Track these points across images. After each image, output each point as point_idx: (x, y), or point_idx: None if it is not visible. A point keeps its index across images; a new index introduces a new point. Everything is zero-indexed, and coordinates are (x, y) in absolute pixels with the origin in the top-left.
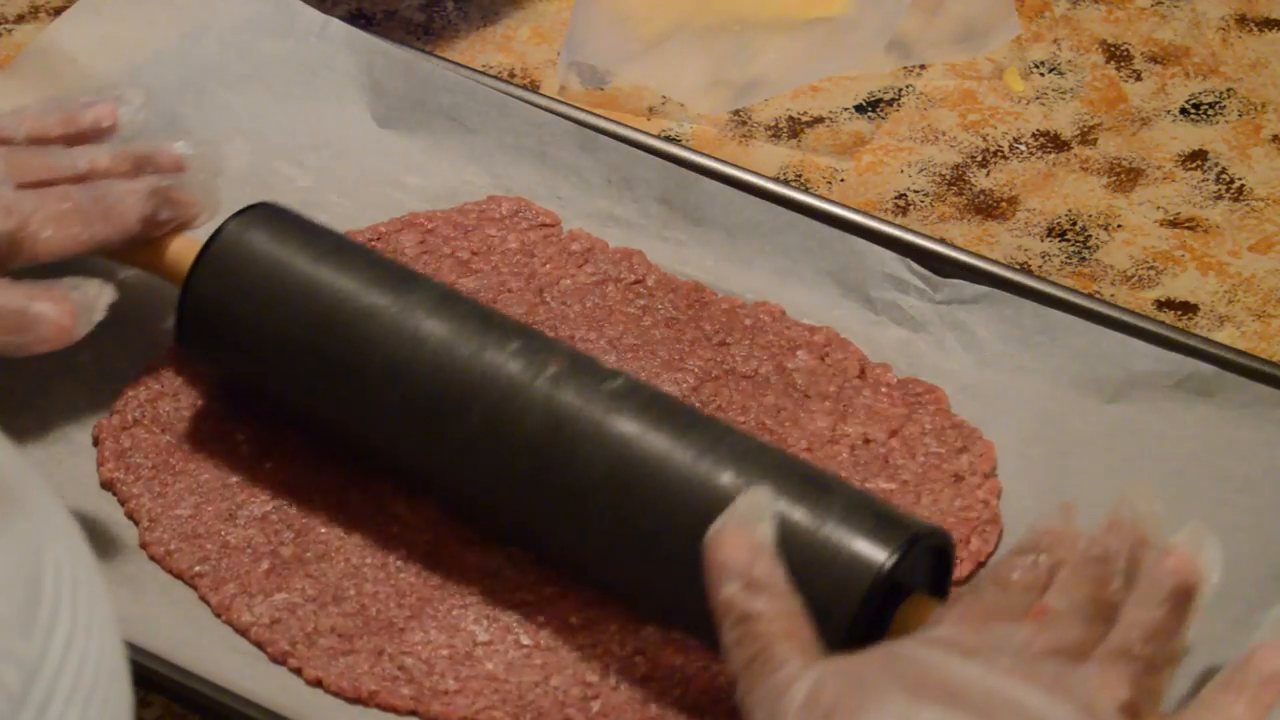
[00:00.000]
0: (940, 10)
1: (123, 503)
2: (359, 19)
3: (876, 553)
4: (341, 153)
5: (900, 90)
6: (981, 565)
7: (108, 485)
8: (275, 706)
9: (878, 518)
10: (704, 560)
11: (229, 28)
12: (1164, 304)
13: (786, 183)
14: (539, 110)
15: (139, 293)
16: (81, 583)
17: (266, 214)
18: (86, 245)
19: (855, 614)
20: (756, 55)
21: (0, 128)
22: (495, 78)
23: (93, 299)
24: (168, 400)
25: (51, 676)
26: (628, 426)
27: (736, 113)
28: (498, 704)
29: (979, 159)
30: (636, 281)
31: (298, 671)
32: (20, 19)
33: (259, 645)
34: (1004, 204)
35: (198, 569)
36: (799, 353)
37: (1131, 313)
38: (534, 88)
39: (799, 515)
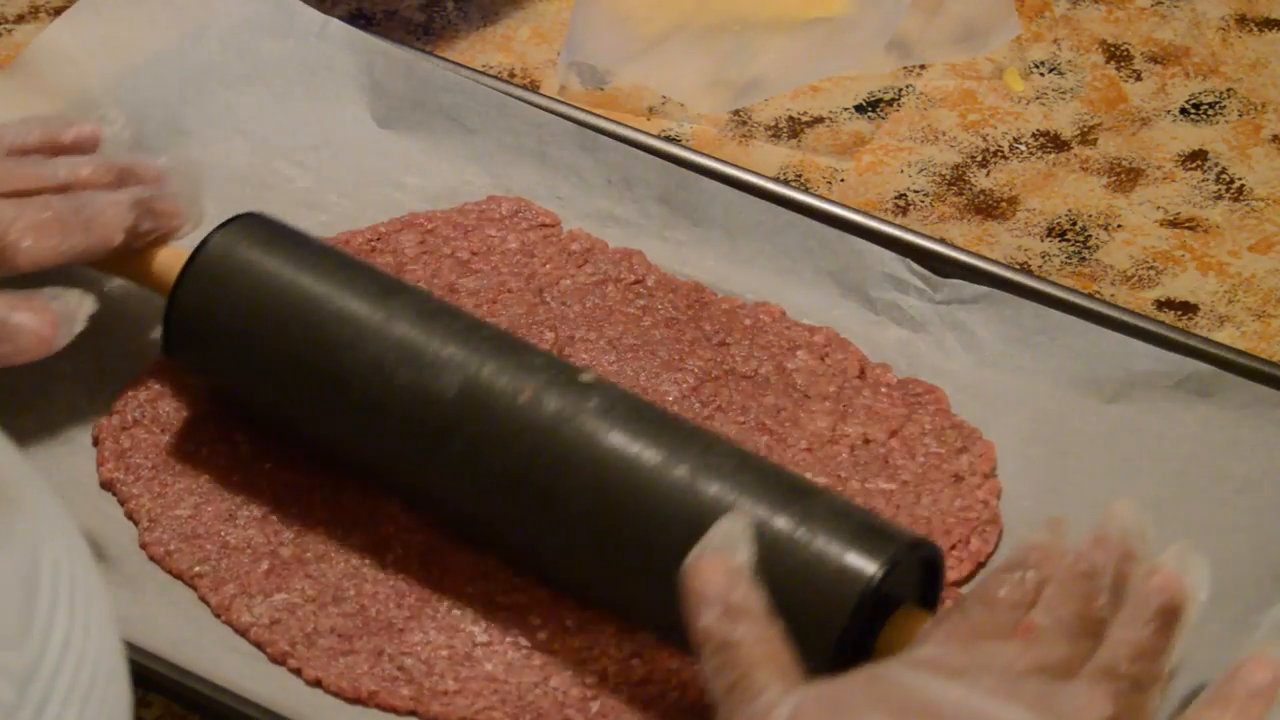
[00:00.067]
0: (940, 10)
1: (122, 503)
2: (359, 19)
3: (866, 565)
4: (341, 153)
5: (900, 90)
6: (981, 565)
7: (108, 485)
8: (275, 706)
9: (867, 529)
10: (682, 588)
11: (229, 28)
12: (1164, 304)
13: (786, 183)
14: (539, 110)
15: (139, 293)
16: (79, 582)
17: (253, 224)
18: (67, 256)
19: (845, 627)
20: (756, 55)
21: None
22: (495, 78)
23: (73, 309)
24: (168, 400)
25: (49, 678)
26: (611, 440)
27: (736, 113)
28: (497, 704)
29: (979, 159)
30: (636, 281)
31: (297, 672)
32: (20, 19)
33: (259, 645)
34: (1004, 204)
35: (197, 569)
36: (799, 353)
37: (1131, 313)
38: (534, 88)
39: (787, 527)
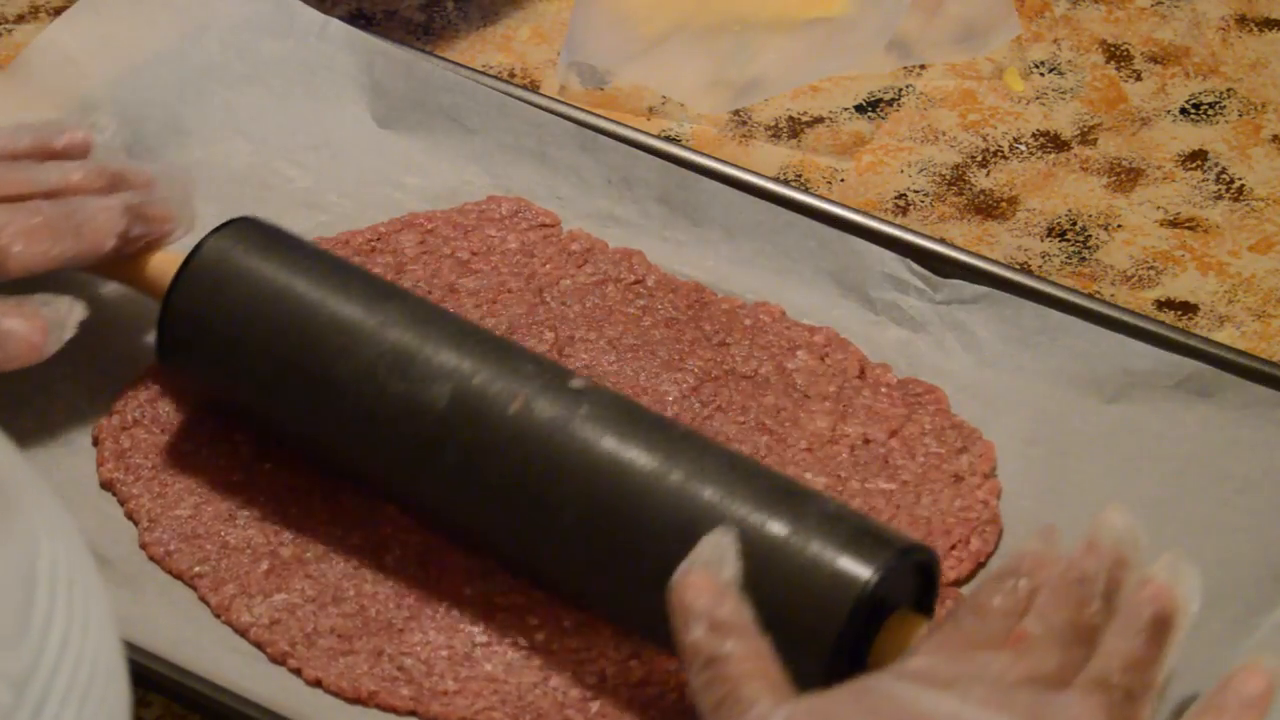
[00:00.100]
0: (940, 10)
1: (122, 503)
2: (359, 19)
3: (861, 569)
4: (341, 153)
5: (900, 90)
6: (981, 565)
7: (107, 485)
8: (275, 706)
9: (862, 534)
10: (669, 604)
11: (229, 28)
12: (1164, 304)
13: (786, 183)
14: (539, 110)
15: (139, 294)
16: (77, 581)
17: (247, 228)
18: (57, 261)
19: (840, 632)
20: (756, 55)
21: None
22: (495, 78)
23: (64, 315)
24: (168, 400)
25: (47, 678)
26: (602, 448)
27: (736, 113)
28: (497, 705)
29: (979, 159)
30: (636, 281)
31: (297, 672)
32: (20, 19)
33: (259, 646)
34: (1004, 204)
35: (197, 569)
36: (799, 353)
37: (1131, 313)
38: (534, 88)
39: (781, 532)
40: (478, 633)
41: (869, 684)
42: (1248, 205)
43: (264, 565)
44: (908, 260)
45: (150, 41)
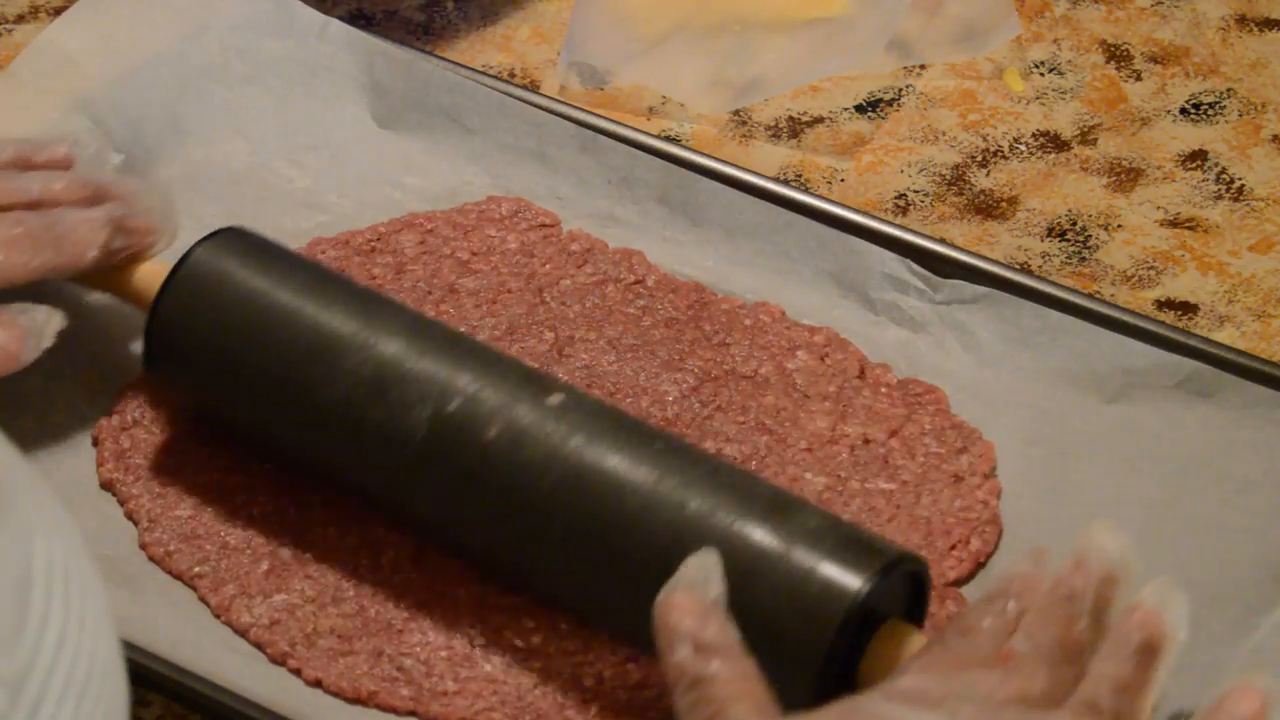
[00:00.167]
0: (940, 10)
1: (122, 503)
2: (359, 19)
3: (852, 579)
4: (341, 153)
5: (900, 90)
6: (981, 565)
7: (107, 486)
8: (275, 706)
9: (852, 543)
10: (654, 625)
11: (228, 28)
12: (1164, 304)
13: (786, 183)
14: (539, 110)
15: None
16: (74, 579)
17: (234, 239)
18: (38, 272)
19: (832, 642)
20: (756, 55)
21: None
22: (495, 78)
23: (41, 324)
24: (168, 401)
25: (44, 678)
26: (582, 471)
27: (736, 113)
28: (497, 705)
29: (979, 159)
30: (636, 282)
31: (297, 672)
32: (20, 19)
33: (258, 646)
34: (1004, 204)
35: (197, 570)
36: (799, 353)
37: (1131, 313)
38: (534, 88)
39: (770, 542)
40: (475, 634)
41: (857, 704)
42: (1248, 205)
43: (264, 566)
44: (908, 260)
45: (150, 42)
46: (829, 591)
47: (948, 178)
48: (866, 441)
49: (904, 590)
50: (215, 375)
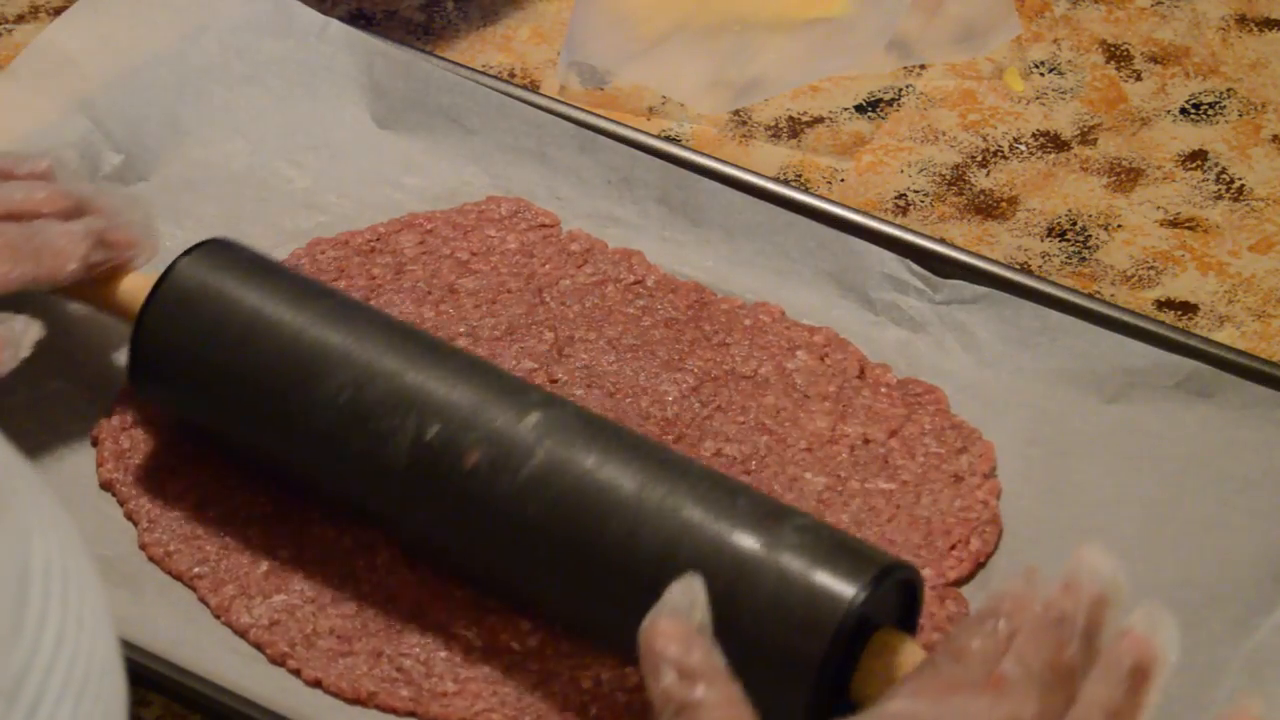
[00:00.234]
0: (940, 10)
1: (122, 503)
2: (359, 19)
3: (845, 587)
4: (341, 153)
5: (900, 90)
6: (981, 565)
7: (107, 486)
8: (275, 707)
9: (845, 551)
10: (639, 652)
11: (228, 28)
12: (1164, 304)
13: (786, 183)
14: (539, 111)
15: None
16: (72, 576)
17: (218, 251)
18: (17, 283)
19: (826, 651)
20: (756, 55)
21: None
22: (495, 78)
23: (19, 334)
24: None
25: (42, 677)
26: (559, 496)
27: (736, 113)
28: (496, 706)
29: (979, 159)
30: (636, 282)
31: (297, 673)
32: (20, 19)
33: (258, 647)
34: (1004, 204)
35: (197, 570)
36: (799, 353)
37: (1131, 313)
38: (534, 88)
39: (760, 552)
40: (473, 636)
41: None
42: (1248, 205)
43: (263, 566)
44: (907, 260)
45: (149, 42)
46: (823, 600)
47: (948, 178)
48: (866, 441)
49: (897, 598)
50: (198, 394)
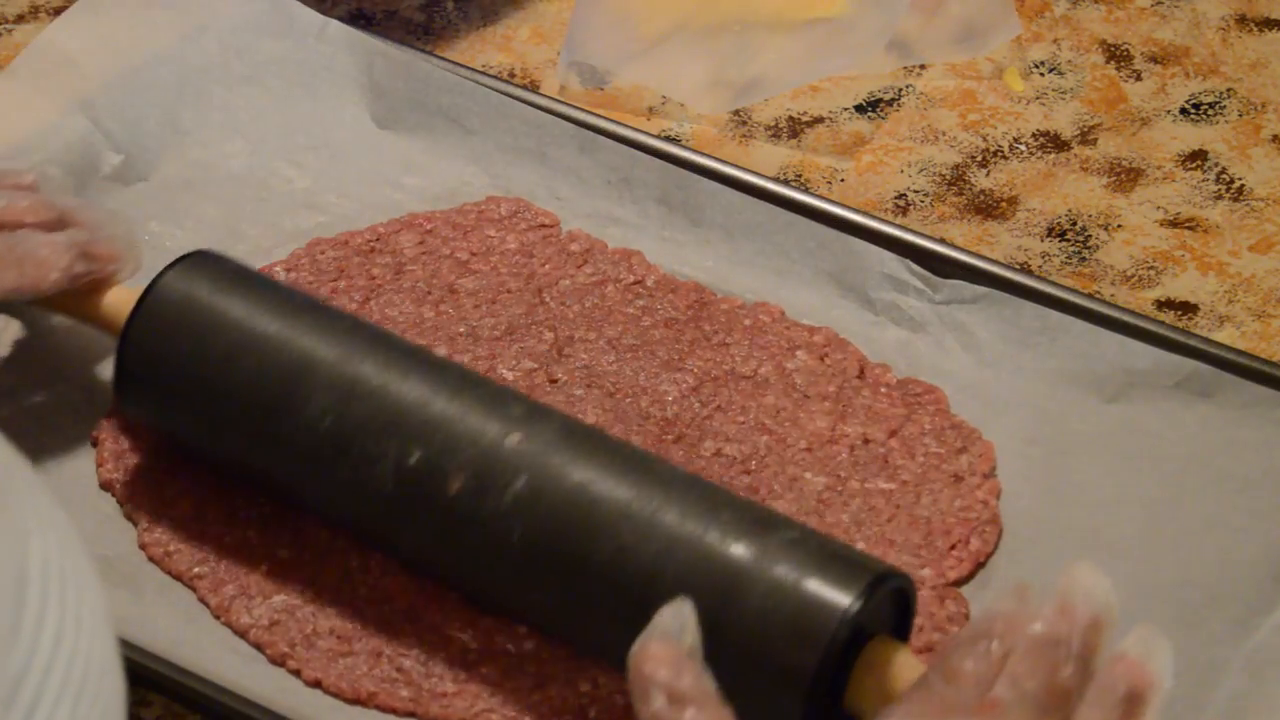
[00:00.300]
0: (940, 10)
1: (121, 504)
2: (359, 19)
3: (840, 596)
4: (340, 153)
5: (900, 90)
6: (981, 565)
7: (107, 486)
8: (275, 707)
9: (838, 560)
10: (629, 675)
11: (228, 29)
12: (1164, 304)
13: (786, 183)
14: (538, 111)
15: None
16: (71, 577)
17: (201, 264)
18: None
19: (820, 661)
20: (756, 55)
21: None
22: (495, 78)
23: None
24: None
25: (40, 676)
26: (542, 517)
27: (736, 113)
28: (496, 707)
29: (979, 159)
30: (636, 282)
31: (297, 673)
32: (20, 19)
33: (258, 647)
34: (1004, 204)
35: (197, 570)
36: (799, 353)
37: (1131, 313)
38: (534, 88)
39: (755, 562)
40: (468, 639)
41: None
42: (1248, 205)
43: (263, 566)
44: (907, 260)
45: (149, 42)
46: (816, 610)
47: (948, 178)
48: (866, 441)
49: (890, 606)
50: (182, 415)
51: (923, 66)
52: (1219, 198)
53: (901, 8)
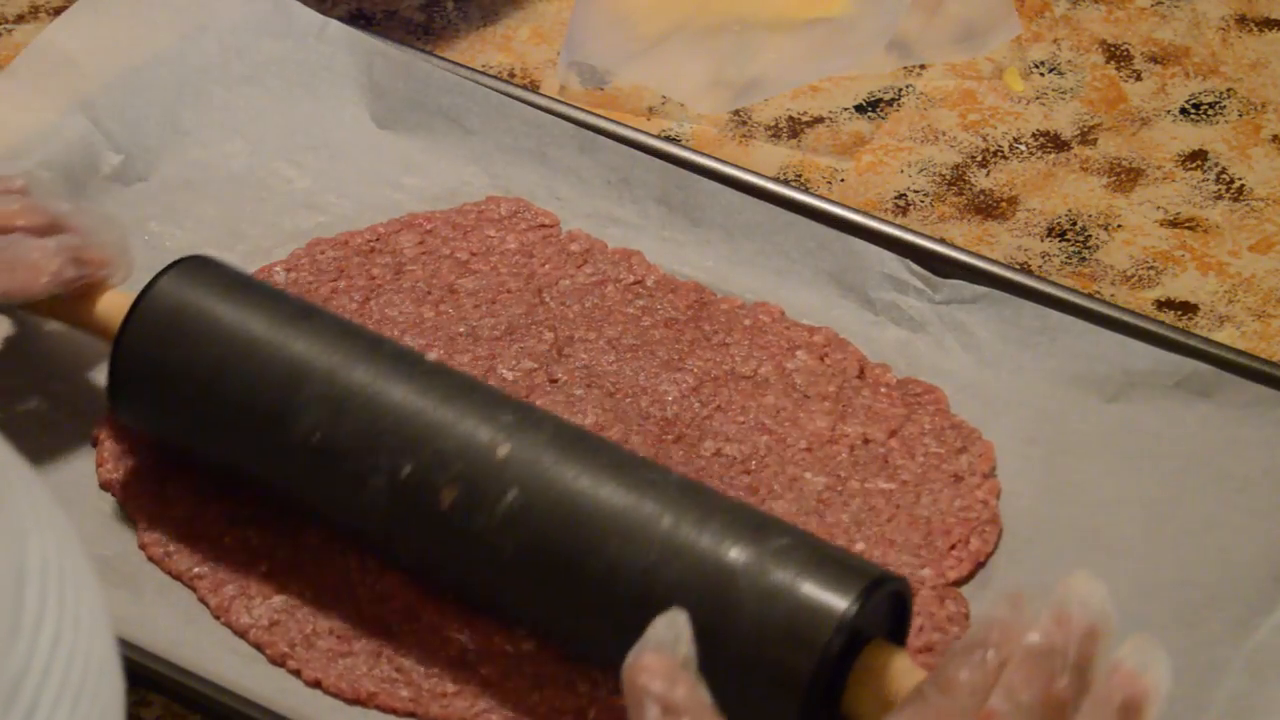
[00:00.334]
0: (940, 10)
1: (121, 504)
2: (359, 19)
3: (837, 600)
4: (340, 153)
5: (900, 90)
6: (981, 565)
7: (107, 486)
8: (275, 707)
9: (834, 564)
10: (623, 688)
11: (228, 29)
12: (1164, 304)
13: (786, 183)
14: (538, 111)
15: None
16: (69, 576)
17: (196, 268)
18: None
19: (817, 665)
20: (756, 55)
21: None
22: (495, 78)
23: None
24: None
25: (40, 677)
26: (532, 532)
27: (736, 113)
28: (495, 708)
29: (979, 159)
30: (636, 282)
31: (297, 673)
32: (20, 19)
33: (258, 647)
34: (1004, 204)
35: (196, 570)
36: (799, 353)
37: (1131, 313)
38: (534, 88)
39: (751, 567)
40: (465, 639)
41: None
42: (1248, 205)
43: (263, 567)
44: (907, 260)
45: (149, 42)
46: (813, 614)
47: (948, 178)
48: (866, 441)
49: (887, 610)
50: (175, 422)
51: (923, 66)
52: (1219, 198)
53: (901, 8)
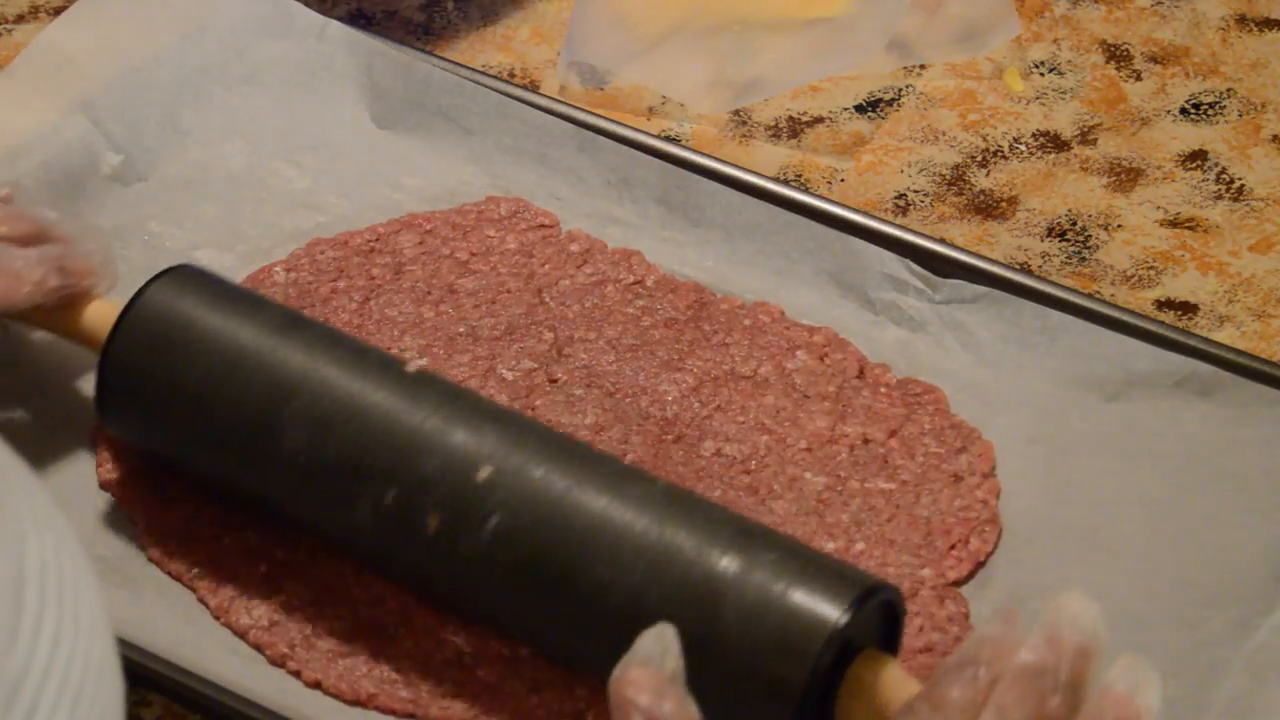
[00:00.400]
0: (940, 10)
1: (121, 504)
2: (359, 19)
3: (829, 609)
4: (340, 153)
5: (900, 90)
6: (981, 565)
7: (106, 486)
8: (275, 707)
9: (826, 574)
10: (610, 702)
11: (227, 29)
12: (1164, 304)
13: (786, 183)
14: (538, 111)
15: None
16: (68, 578)
17: (184, 279)
18: None
19: (810, 674)
20: (756, 55)
21: None
22: (495, 78)
23: None
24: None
25: (39, 679)
26: (528, 536)
27: (736, 113)
28: (495, 709)
29: (979, 159)
30: (636, 282)
31: (297, 674)
32: (20, 19)
33: (258, 648)
34: (1004, 204)
35: (196, 571)
36: (798, 353)
37: (1131, 313)
38: (534, 88)
39: (741, 577)
40: (461, 641)
41: None
42: (1248, 205)
43: (263, 567)
44: (907, 260)
45: (149, 42)
46: (804, 624)
47: (948, 178)
48: (866, 441)
49: (879, 619)
50: (161, 434)
51: (923, 66)
52: (1219, 198)
53: (901, 8)
